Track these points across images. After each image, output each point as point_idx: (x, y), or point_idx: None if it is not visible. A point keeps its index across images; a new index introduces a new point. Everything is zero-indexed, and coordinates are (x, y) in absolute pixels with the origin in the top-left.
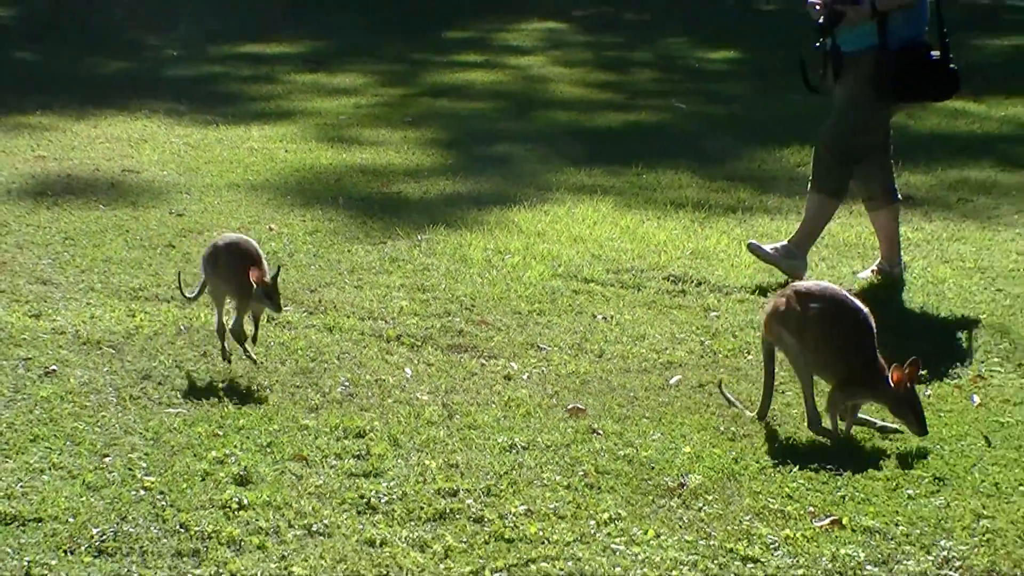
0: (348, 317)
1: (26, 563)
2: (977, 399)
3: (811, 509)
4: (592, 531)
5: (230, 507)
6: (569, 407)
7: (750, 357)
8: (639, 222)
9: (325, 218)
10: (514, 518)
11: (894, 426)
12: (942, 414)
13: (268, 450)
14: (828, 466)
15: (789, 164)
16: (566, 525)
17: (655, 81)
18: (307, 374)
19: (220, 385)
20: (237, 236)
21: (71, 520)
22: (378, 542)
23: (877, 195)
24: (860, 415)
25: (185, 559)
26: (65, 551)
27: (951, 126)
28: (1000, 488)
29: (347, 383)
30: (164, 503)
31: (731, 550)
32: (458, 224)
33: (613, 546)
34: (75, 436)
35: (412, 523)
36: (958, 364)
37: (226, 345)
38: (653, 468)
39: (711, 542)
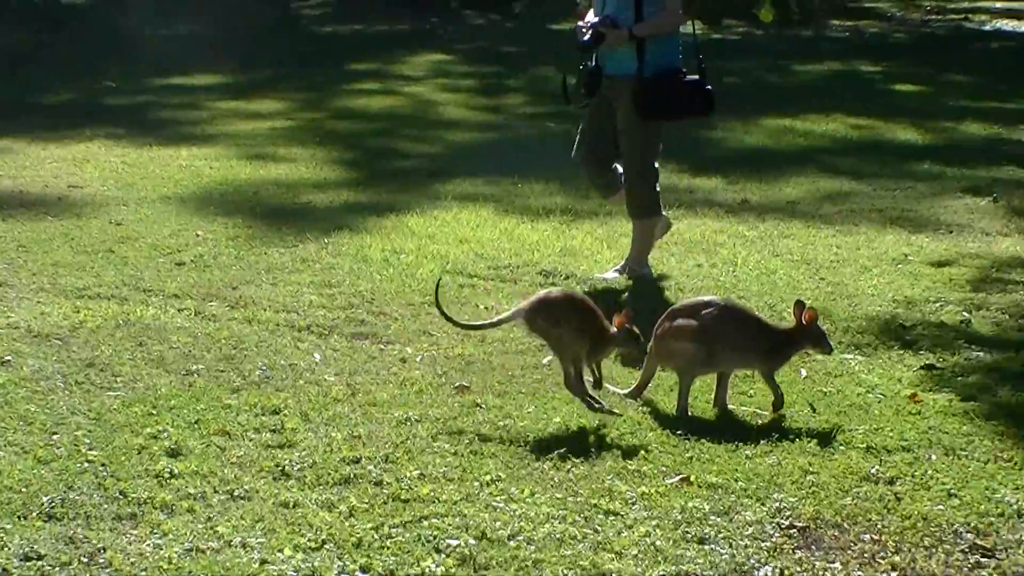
0: (265, 310)
1: None
2: (804, 372)
3: (663, 468)
4: (476, 491)
5: (163, 476)
6: (456, 385)
7: None
8: (515, 225)
9: (244, 225)
10: (409, 481)
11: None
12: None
13: (196, 426)
14: (678, 432)
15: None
16: (454, 487)
17: (528, 104)
18: (229, 360)
19: (154, 371)
20: (566, 290)
21: (24, 489)
22: (291, 504)
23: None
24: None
25: (124, 522)
26: (19, 516)
27: (780, 140)
28: (823, 448)
29: (264, 367)
30: (105, 474)
31: (595, 505)
32: (360, 229)
33: (494, 504)
34: (27, 417)
35: (321, 487)
36: None
37: (590, 398)
38: (528, 436)
39: (578, 498)
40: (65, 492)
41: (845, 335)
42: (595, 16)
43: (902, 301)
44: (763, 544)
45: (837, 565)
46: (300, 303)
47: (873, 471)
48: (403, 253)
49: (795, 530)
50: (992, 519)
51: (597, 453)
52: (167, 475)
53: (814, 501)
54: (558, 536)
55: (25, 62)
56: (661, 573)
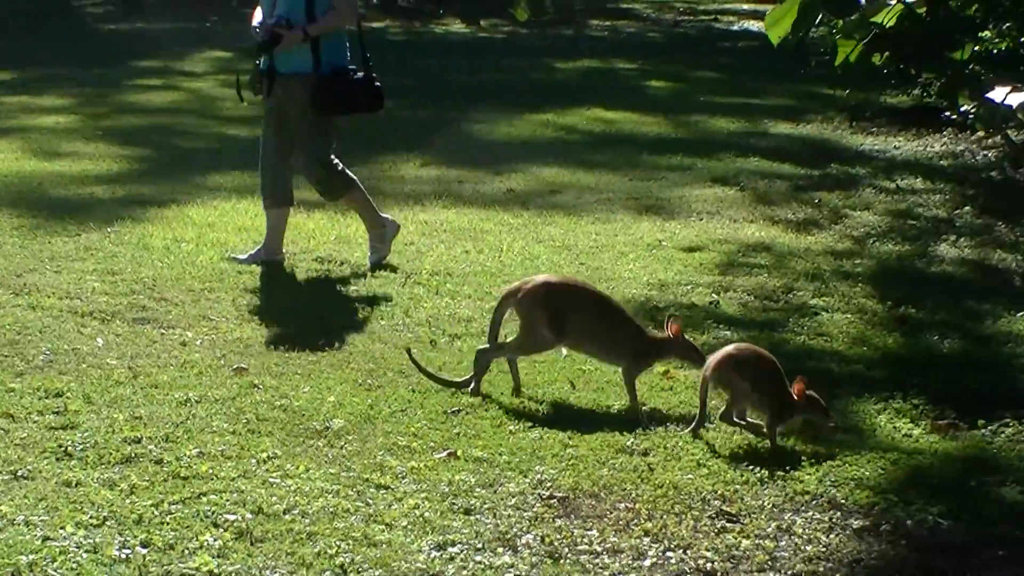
0: (49, 297)
1: None
2: (565, 352)
3: (432, 444)
4: (254, 468)
5: None
6: (235, 367)
7: (383, 323)
8: (292, 215)
9: (29, 216)
10: (188, 459)
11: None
12: (537, 364)
13: None
14: (447, 410)
15: (413, 167)
16: (232, 464)
17: None
18: (13, 345)
19: None
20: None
21: None
22: (74, 483)
23: (272, 195)
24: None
25: None
26: None
27: (543, 133)
28: (582, 422)
29: (48, 352)
30: None
31: (367, 479)
32: (142, 218)
33: (271, 480)
34: None
35: (103, 466)
36: None
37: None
38: (303, 415)
39: (351, 474)
40: None
41: None
42: (263, 16)
43: (656, 284)
44: (525, 514)
45: (594, 532)
46: (83, 290)
47: (628, 444)
48: (184, 241)
49: (555, 500)
50: (737, 486)
51: (369, 430)
52: None
53: (573, 473)
54: (331, 510)
55: None
56: (429, 542)
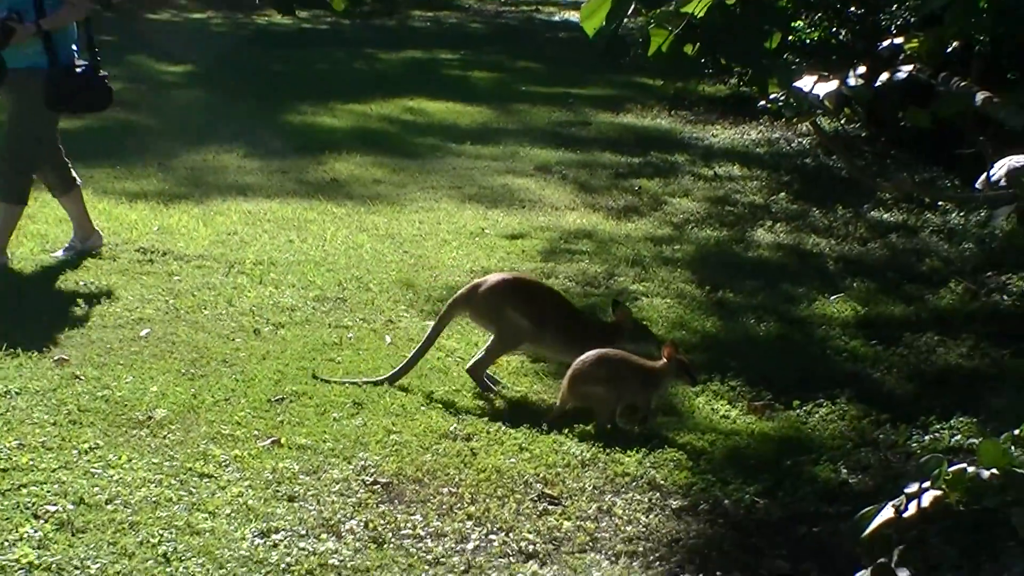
0: None
1: None
2: (389, 339)
3: (256, 433)
4: (75, 459)
5: None
6: (56, 358)
7: (207, 312)
8: (114, 205)
9: None
10: (8, 451)
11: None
12: (361, 352)
13: None
14: (271, 398)
15: (236, 157)
16: (53, 455)
17: (125, 91)
18: None
19: None
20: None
21: None
22: None
23: (59, 187)
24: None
25: None
26: None
27: (365, 123)
28: (406, 409)
29: None
30: None
31: (191, 469)
32: None
33: (92, 470)
34: None
35: None
36: (375, 311)
37: None
38: (126, 405)
39: (174, 463)
40: None
41: (427, 303)
42: None
43: (479, 271)
44: (349, 500)
45: (418, 517)
46: None
47: (452, 429)
48: None
49: (379, 486)
50: (559, 469)
51: (193, 420)
52: None
53: (397, 459)
54: (154, 499)
55: None
56: (252, 530)
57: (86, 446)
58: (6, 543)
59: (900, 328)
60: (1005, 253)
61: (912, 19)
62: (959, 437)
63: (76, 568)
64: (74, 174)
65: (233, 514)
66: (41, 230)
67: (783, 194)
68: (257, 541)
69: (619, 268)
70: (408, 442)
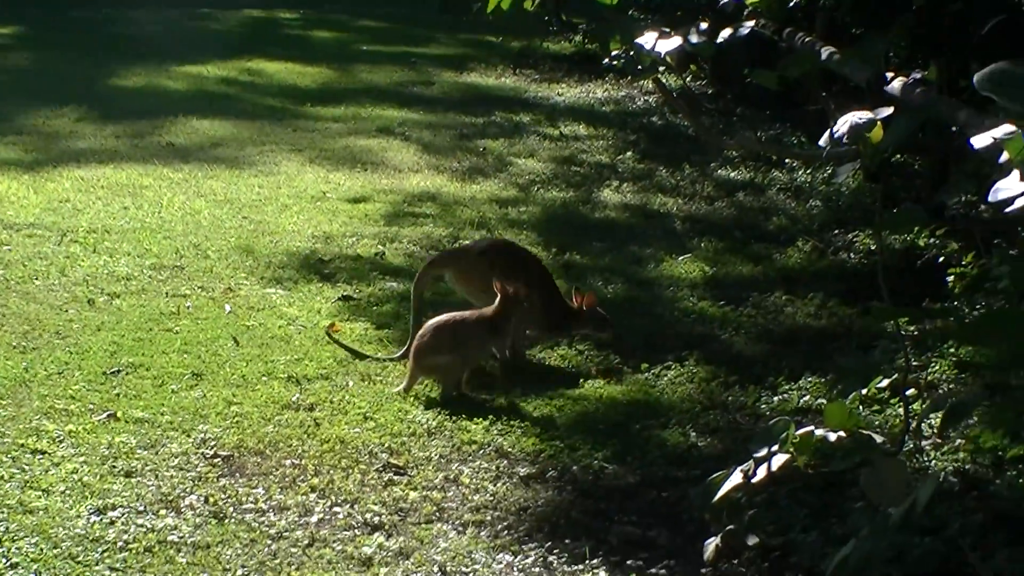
0: None
1: None
2: (229, 307)
3: (91, 407)
4: None
5: None
6: None
7: (38, 283)
8: None
9: None
10: None
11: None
12: (200, 321)
13: None
14: (106, 371)
15: (68, 121)
16: None
17: None
18: None
19: None
20: None
21: None
22: None
23: None
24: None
25: None
26: None
27: (199, 85)
28: (247, 379)
29: None
30: None
31: (23, 445)
32: None
33: None
34: None
35: None
36: (213, 279)
37: None
38: None
39: (5, 440)
40: None
41: (267, 270)
42: None
43: (321, 236)
44: (189, 474)
45: (260, 490)
46: None
47: (294, 399)
48: None
49: (219, 459)
50: (404, 439)
51: (25, 394)
52: None
53: (238, 431)
54: None
55: None
56: (88, 507)
57: None
58: None
59: (748, 288)
60: (851, 210)
61: None
62: (808, 398)
63: None
64: None
65: (68, 491)
66: None
67: (629, 153)
68: (93, 518)
69: (464, 231)
70: (249, 413)
